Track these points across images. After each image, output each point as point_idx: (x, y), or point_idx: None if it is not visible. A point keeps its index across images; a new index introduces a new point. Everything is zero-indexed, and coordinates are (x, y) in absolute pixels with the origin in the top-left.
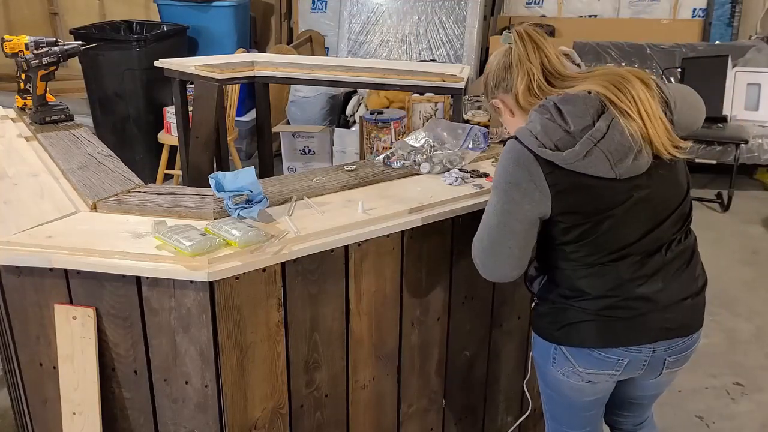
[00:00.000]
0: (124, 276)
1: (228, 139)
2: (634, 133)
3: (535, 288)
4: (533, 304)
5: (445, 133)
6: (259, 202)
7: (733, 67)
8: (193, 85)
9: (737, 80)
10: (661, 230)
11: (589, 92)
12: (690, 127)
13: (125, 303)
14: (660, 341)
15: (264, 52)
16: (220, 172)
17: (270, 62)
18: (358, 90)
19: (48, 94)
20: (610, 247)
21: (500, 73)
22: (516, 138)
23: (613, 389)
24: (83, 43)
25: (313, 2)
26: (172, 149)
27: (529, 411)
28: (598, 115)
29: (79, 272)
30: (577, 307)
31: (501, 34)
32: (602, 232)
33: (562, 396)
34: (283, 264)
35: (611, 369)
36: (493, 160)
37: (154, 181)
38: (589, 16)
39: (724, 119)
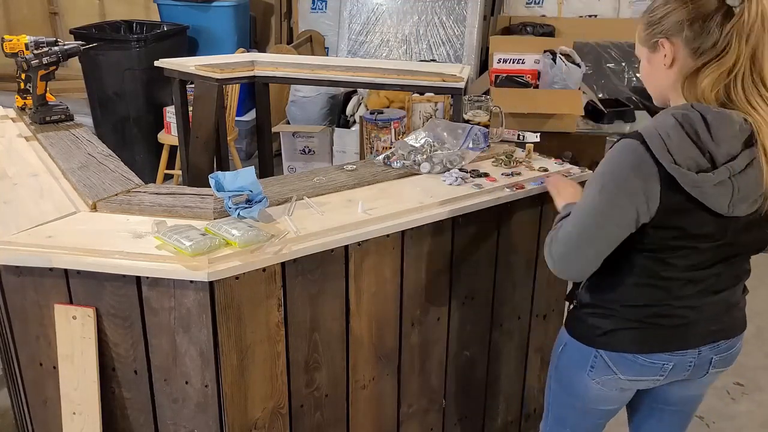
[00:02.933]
0: (124, 276)
1: (228, 139)
2: (765, 177)
3: (578, 291)
4: (571, 308)
5: (445, 133)
6: (259, 202)
7: None
8: (193, 85)
9: None
10: (729, 264)
11: (746, 119)
12: None
13: (125, 303)
14: (705, 344)
15: (264, 52)
16: (220, 172)
17: (270, 62)
18: (358, 90)
19: (48, 94)
20: (678, 267)
21: (701, 24)
22: (642, 141)
23: (652, 393)
24: (83, 43)
25: (313, 2)
26: (172, 149)
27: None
28: (745, 146)
29: (79, 272)
30: (621, 314)
31: (501, 34)
32: (679, 255)
33: (584, 402)
34: (283, 264)
35: (656, 374)
36: (493, 160)
37: (154, 181)
38: (589, 16)
39: None
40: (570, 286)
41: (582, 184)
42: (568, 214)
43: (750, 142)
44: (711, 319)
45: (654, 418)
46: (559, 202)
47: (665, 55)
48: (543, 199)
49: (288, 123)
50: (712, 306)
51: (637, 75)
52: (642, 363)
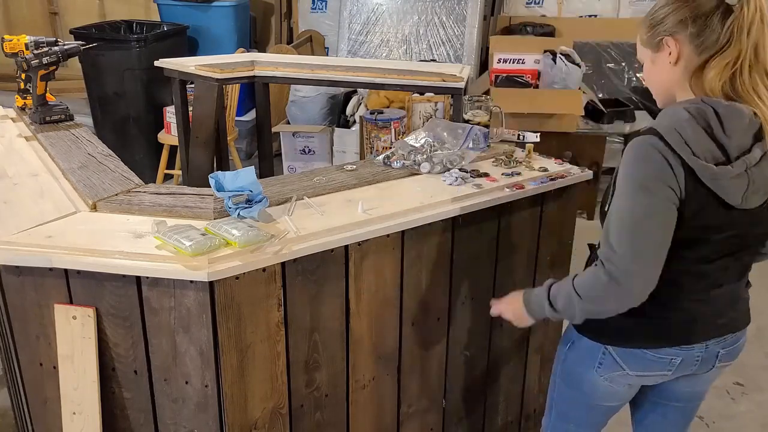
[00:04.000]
0: (124, 276)
1: (228, 139)
2: None
3: None
4: None
5: (445, 133)
6: (259, 202)
7: None
8: (193, 85)
9: None
10: (736, 258)
11: (755, 113)
12: None
13: (125, 303)
14: (713, 338)
15: (264, 52)
16: (220, 172)
17: (270, 62)
18: (358, 90)
19: (48, 94)
20: (687, 260)
21: (703, 21)
22: (659, 136)
23: (658, 388)
24: (83, 43)
25: (313, 2)
26: (172, 149)
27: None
28: (756, 140)
29: (79, 272)
30: (631, 309)
31: (501, 34)
32: (693, 248)
33: (590, 399)
34: (283, 264)
35: (664, 369)
36: (493, 160)
37: (154, 181)
38: (589, 16)
39: None
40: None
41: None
42: (549, 289)
43: (760, 135)
44: (717, 312)
45: (657, 413)
46: (518, 314)
47: (670, 53)
48: (543, 199)
49: (288, 123)
50: (718, 299)
51: (638, 75)
52: (651, 358)
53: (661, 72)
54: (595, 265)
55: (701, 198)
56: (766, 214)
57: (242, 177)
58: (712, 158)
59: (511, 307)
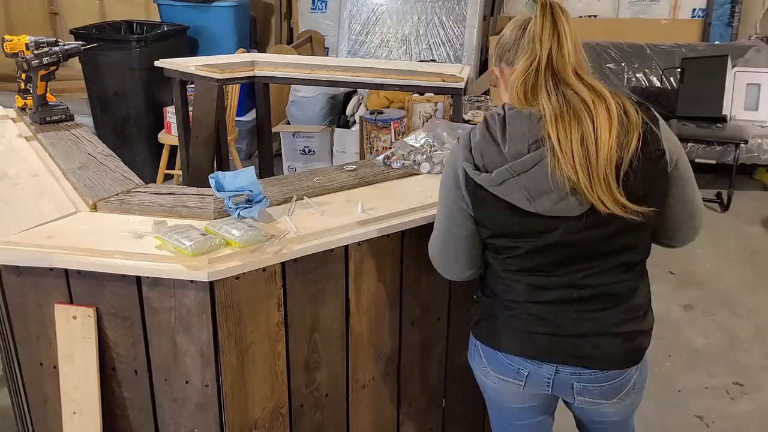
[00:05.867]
0: (124, 276)
1: (228, 139)
2: (559, 179)
3: None
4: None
5: (444, 133)
6: (259, 202)
7: (733, 67)
8: (193, 85)
9: (737, 80)
10: (584, 271)
11: (544, 115)
12: (674, 225)
13: (125, 303)
14: (563, 364)
15: (264, 52)
16: (220, 172)
17: (270, 62)
18: (358, 90)
19: (48, 94)
20: (512, 267)
21: (508, 44)
22: (463, 141)
23: (575, 413)
24: (83, 43)
25: (313, 2)
26: (172, 149)
27: None
28: (536, 145)
29: (79, 272)
30: (484, 303)
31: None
32: (508, 255)
33: (488, 398)
34: (283, 264)
35: (515, 377)
36: None
37: (154, 181)
38: (589, 16)
39: (723, 119)
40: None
41: None
42: None
43: (539, 143)
44: (568, 338)
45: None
46: None
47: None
48: None
49: (288, 123)
50: (570, 324)
51: (637, 75)
52: (501, 361)
53: (503, 99)
54: None
55: (491, 202)
56: (603, 225)
57: (242, 177)
58: (494, 164)
59: None
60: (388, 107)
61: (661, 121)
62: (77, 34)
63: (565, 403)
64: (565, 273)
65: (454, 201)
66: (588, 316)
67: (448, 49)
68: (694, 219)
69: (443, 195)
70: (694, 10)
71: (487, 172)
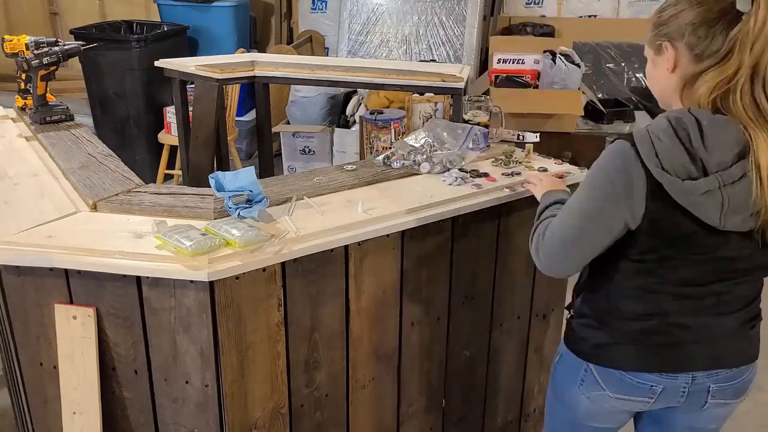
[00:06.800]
0: (124, 276)
1: (228, 139)
2: (759, 203)
3: (576, 301)
4: (569, 317)
5: (445, 133)
6: (259, 202)
7: None
8: (193, 85)
9: None
10: (734, 285)
11: (745, 128)
12: None
13: (125, 303)
14: (702, 370)
15: (264, 52)
16: (220, 172)
17: (270, 62)
18: (358, 90)
19: (48, 94)
20: (667, 280)
21: (700, 28)
22: (632, 143)
23: (657, 421)
24: (83, 43)
25: (313, 2)
26: (172, 149)
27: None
28: (739, 157)
29: (79, 272)
30: (613, 327)
31: (501, 34)
32: (668, 267)
33: (574, 416)
34: (283, 264)
35: (644, 396)
36: (492, 160)
37: (154, 181)
38: (589, 16)
39: None
40: (571, 293)
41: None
42: (551, 204)
43: (744, 153)
44: (708, 343)
45: None
46: (538, 193)
47: (668, 59)
48: None
49: (288, 123)
50: (710, 329)
51: (637, 75)
52: (630, 382)
53: (660, 75)
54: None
55: (672, 214)
56: (761, 244)
57: (242, 177)
58: (684, 172)
59: (545, 182)
60: (388, 107)
61: None
62: (77, 34)
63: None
64: (715, 283)
65: (616, 208)
66: (729, 318)
67: (448, 49)
68: None
69: (598, 197)
70: None
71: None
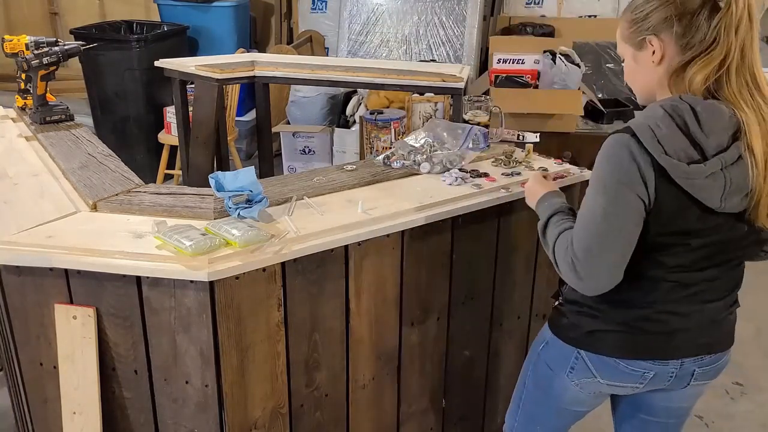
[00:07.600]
0: (124, 276)
1: (228, 139)
2: (750, 176)
3: (565, 288)
4: (556, 304)
5: (444, 133)
6: (259, 202)
7: None
8: (193, 85)
9: None
10: (724, 269)
11: (734, 112)
12: None
13: (125, 303)
14: (691, 356)
15: (264, 52)
16: (220, 172)
17: (270, 62)
18: (358, 90)
19: (48, 94)
20: (666, 266)
21: (689, 19)
22: (632, 134)
23: (636, 402)
24: (83, 43)
25: (313, 2)
26: (172, 149)
27: None
28: (732, 139)
29: (79, 272)
30: (607, 314)
31: (501, 34)
32: (670, 253)
33: (558, 403)
34: (283, 264)
35: (635, 382)
36: (492, 160)
37: (154, 181)
38: (589, 16)
39: None
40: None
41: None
42: (552, 216)
43: (737, 135)
44: (698, 330)
45: (639, 429)
46: (531, 202)
47: (654, 52)
48: None
49: (288, 123)
50: (700, 316)
51: None
52: (623, 369)
53: (644, 70)
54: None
55: (677, 200)
56: (749, 224)
57: (242, 177)
58: (686, 157)
59: (534, 189)
60: (388, 107)
61: None
62: (77, 34)
63: (619, 398)
64: (708, 268)
65: (632, 192)
66: (714, 305)
67: (448, 49)
68: None
69: (612, 190)
70: None
71: None
